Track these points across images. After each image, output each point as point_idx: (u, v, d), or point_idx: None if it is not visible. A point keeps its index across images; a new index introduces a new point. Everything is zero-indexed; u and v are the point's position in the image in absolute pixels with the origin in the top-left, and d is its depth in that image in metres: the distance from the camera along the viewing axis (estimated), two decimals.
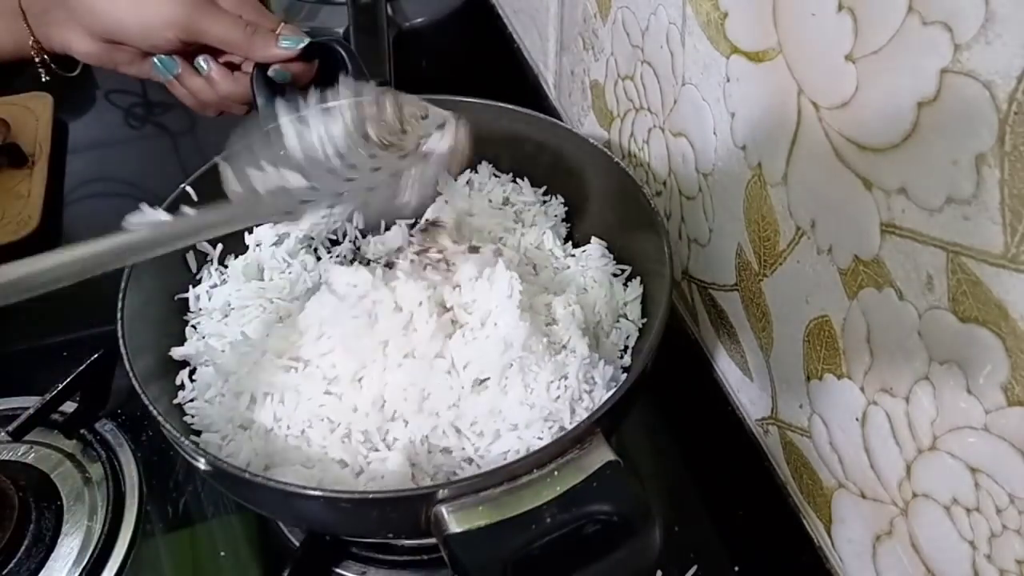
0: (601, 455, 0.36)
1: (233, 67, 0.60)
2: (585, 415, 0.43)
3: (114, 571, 0.49)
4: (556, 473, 0.35)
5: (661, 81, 0.50)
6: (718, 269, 0.49)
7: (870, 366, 0.36)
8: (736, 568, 0.50)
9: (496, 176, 0.58)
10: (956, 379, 0.31)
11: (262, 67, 0.58)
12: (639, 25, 0.51)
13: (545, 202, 0.57)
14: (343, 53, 0.59)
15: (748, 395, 0.50)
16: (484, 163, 0.58)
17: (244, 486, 0.38)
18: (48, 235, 0.70)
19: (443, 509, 0.34)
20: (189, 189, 0.50)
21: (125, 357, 0.42)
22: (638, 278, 0.51)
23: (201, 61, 0.59)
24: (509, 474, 0.35)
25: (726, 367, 0.52)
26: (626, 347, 0.49)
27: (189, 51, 0.58)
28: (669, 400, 0.57)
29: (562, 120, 0.69)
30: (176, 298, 0.51)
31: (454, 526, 0.34)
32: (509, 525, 0.34)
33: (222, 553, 0.51)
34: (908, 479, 0.36)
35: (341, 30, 0.76)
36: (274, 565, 0.50)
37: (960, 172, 0.28)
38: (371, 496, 0.36)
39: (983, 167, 0.27)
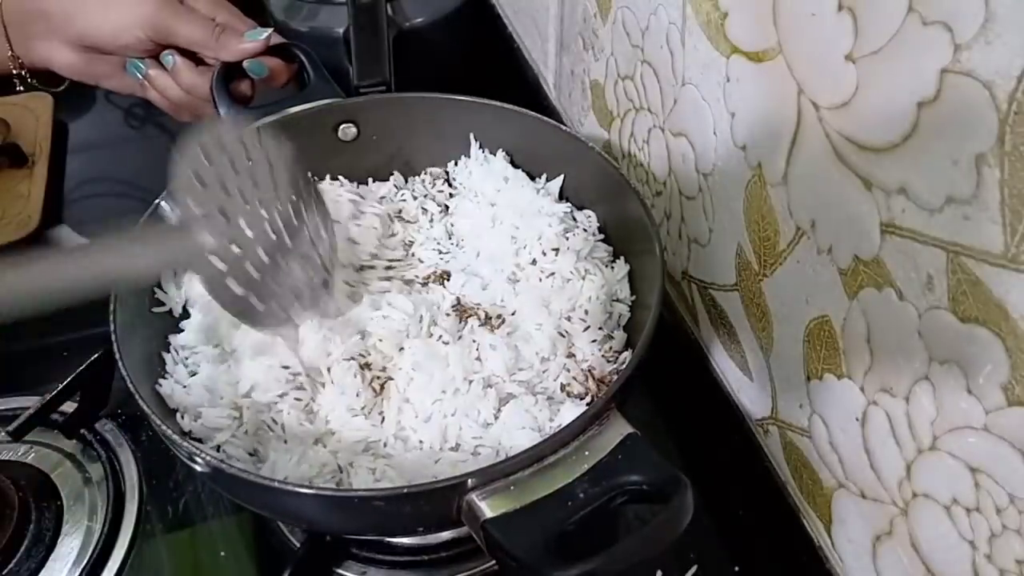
0: (620, 429, 0.37)
1: (202, 64, 0.61)
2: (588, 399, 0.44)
3: (114, 571, 0.49)
4: (580, 450, 0.36)
5: (661, 81, 0.50)
6: (718, 269, 0.49)
7: (870, 366, 0.36)
8: (736, 568, 0.50)
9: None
10: (956, 379, 0.31)
11: (225, 76, 0.58)
12: (639, 25, 0.51)
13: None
14: (303, 58, 0.60)
15: (748, 395, 0.50)
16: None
17: (266, 493, 0.38)
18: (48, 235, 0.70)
19: (474, 496, 0.35)
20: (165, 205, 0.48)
21: (123, 368, 0.41)
22: (622, 257, 0.52)
23: (167, 54, 0.60)
24: (535, 456, 0.36)
25: (726, 367, 0.52)
26: (619, 325, 0.50)
27: (161, 53, 0.60)
28: (669, 400, 0.57)
29: (562, 120, 0.69)
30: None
31: (488, 511, 0.34)
32: (544, 504, 0.34)
33: (222, 553, 0.51)
34: (908, 479, 0.36)
35: (341, 30, 0.76)
36: (274, 565, 0.50)
37: (960, 172, 0.28)
38: (405, 491, 0.36)
39: (983, 167, 0.27)
